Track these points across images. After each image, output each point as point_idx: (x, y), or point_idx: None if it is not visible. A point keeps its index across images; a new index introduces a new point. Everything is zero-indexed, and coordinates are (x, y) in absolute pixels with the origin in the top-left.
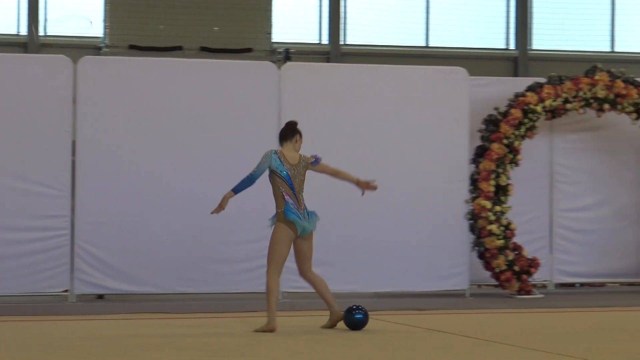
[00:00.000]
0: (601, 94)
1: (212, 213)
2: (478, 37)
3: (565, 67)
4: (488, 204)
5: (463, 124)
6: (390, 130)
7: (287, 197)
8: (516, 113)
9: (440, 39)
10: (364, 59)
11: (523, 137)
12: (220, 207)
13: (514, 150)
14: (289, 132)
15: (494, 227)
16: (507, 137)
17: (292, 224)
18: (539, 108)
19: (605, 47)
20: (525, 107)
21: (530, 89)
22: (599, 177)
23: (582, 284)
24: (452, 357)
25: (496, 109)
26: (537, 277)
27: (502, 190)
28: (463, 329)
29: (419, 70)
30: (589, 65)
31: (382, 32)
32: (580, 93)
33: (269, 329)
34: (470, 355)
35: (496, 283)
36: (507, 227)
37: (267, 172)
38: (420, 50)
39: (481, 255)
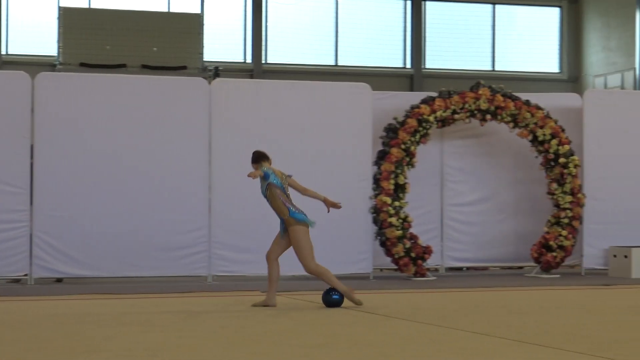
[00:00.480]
0: (484, 106)
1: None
2: (380, 57)
3: (454, 83)
4: (388, 200)
5: (367, 131)
6: (305, 138)
7: (287, 204)
8: (412, 122)
9: (348, 59)
10: (283, 76)
11: (418, 142)
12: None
13: (410, 154)
14: (264, 155)
15: (393, 220)
16: (404, 143)
17: (303, 222)
18: (431, 118)
19: (487, 66)
20: (420, 117)
21: (424, 101)
22: (482, 177)
23: (468, 268)
24: (357, 331)
25: (395, 118)
26: (430, 262)
27: (400, 188)
28: (367, 307)
29: (330, 85)
30: (474, 81)
31: (298, 52)
32: (466, 105)
33: (356, 302)
34: (372, 329)
35: (395, 267)
36: (405, 219)
37: (261, 188)
38: (331, 68)
39: (383, 244)
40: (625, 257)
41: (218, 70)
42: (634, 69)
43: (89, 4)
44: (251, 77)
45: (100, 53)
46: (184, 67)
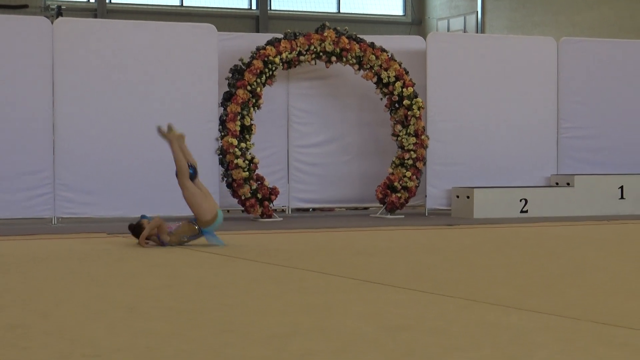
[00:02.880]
0: (329, 48)
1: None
2: None
3: (299, 25)
4: (235, 141)
5: (213, 73)
6: (152, 79)
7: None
8: (258, 64)
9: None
10: (128, 16)
11: (264, 84)
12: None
13: (256, 96)
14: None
15: (240, 161)
16: (250, 84)
17: None
18: (277, 60)
19: (333, 9)
20: (266, 59)
21: (270, 43)
22: (328, 118)
23: (314, 209)
24: (202, 272)
25: (241, 60)
26: (277, 203)
27: (246, 130)
28: (213, 248)
29: (176, 26)
30: (319, 23)
31: None
32: (312, 47)
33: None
34: (218, 270)
35: (242, 209)
36: (251, 161)
37: None
38: (176, 9)
39: (229, 185)
40: (468, 197)
41: (61, 10)
42: (476, 12)
43: None
44: (95, 17)
45: None
46: (26, 6)
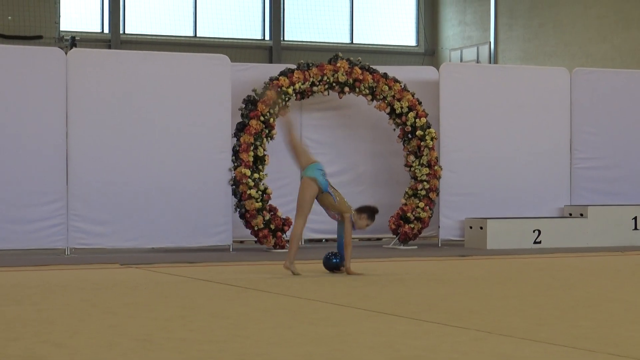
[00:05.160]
0: (342, 78)
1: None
2: (239, 29)
3: (312, 55)
4: (248, 172)
5: (226, 103)
6: (164, 110)
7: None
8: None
9: (207, 30)
10: (141, 47)
11: (277, 115)
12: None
13: (269, 126)
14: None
15: (253, 192)
16: (263, 115)
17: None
18: (290, 90)
19: (345, 39)
20: (279, 89)
21: (283, 73)
22: (340, 149)
23: (327, 240)
24: (215, 303)
25: (254, 90)
26: (290, 233)
27: (259, 160)
28: (226, 279)
29: (189, 57)
30: (332, 54)
31: (156, 23)
32: (325, 78)
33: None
34: (231, 301)
35: (255, 239)
36: (264, 191)
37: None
38: (190, 40)
39: (242, 216)
40: (481, 228)
41: (75, 40)
42: (489, 42)
43: None
44: (109, 47)
45: None
46: (40, 37)
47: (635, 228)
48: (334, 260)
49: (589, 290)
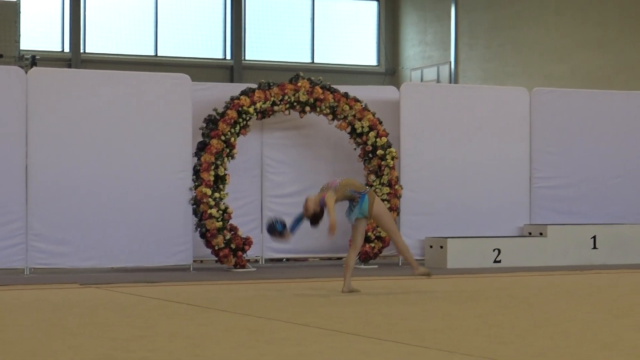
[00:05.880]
0: (303, 98)
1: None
2: (200, 48)
3: (273, 75)
4: (209, 191)
5: (186, 123)
6: (126, 128)
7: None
8: (232, 114)
9: (168, 49)
10: (102, 66)
11: (238, 134)
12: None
13: (230, 145)
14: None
15: (213, 211)
16: (224, 134)
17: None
18: (251, 109)
19: (306, 59)
20: (240, 109)
21: (244, 93)
22: (301, 168)
23: (288, 259)
24: (176, 323)
25: (215, 110)
26: (251, 253)
27: (220, 180)
28: (187, 298)
29: (150, 76)
30: (293, 73)
31: (117, 42)
32: (286, 97)
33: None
34: (191, 320)
35: (216, 259)
36: (225, 210)
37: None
38: (151, 59)
39: (203, 235)
40: (441, 247)
41: (35, 59)
42: (450, 62)
43: None
44: (69, 66)
45: None
46: (0, 56)
47: (594, 247)
48: (278, 226)
49: (548, 310)
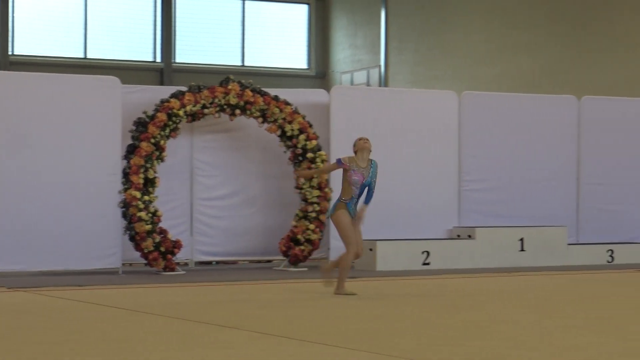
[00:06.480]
0: (233, 101)
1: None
2: (130, 51)
3: (204, 77)
4: (138, 194)
5: (116, 125)
6: (55, 131)
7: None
8: (162, 116)
9: (97, 52)
10: (31, 68)
11: (168, 136)
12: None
13: (160, 148)
14: None
15: (143, 214)
16: (154, 137)
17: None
18: (181, 112)
19: (237, 62)
20: (170, 112)
21: (174, 96)
22: (231, 171)
23: (218, 262)
24: (103, 326)
25: (145, 112)
26: (180, 256)
27: (150, 182)
28: (116, 302)
29: (79, 78)
30: (224, 76)
31: (46, 44)
32: (216, 100)
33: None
34: (119, 324)
35: (145, 262)
36: (154, 214)
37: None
38: (80, 61)
39: (132, 238)
40: (370, 250)
41: None
42: (379, 66)
43: None
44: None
45: None
46: None
47: (522, 249)
48: None
49: (476, 312)
